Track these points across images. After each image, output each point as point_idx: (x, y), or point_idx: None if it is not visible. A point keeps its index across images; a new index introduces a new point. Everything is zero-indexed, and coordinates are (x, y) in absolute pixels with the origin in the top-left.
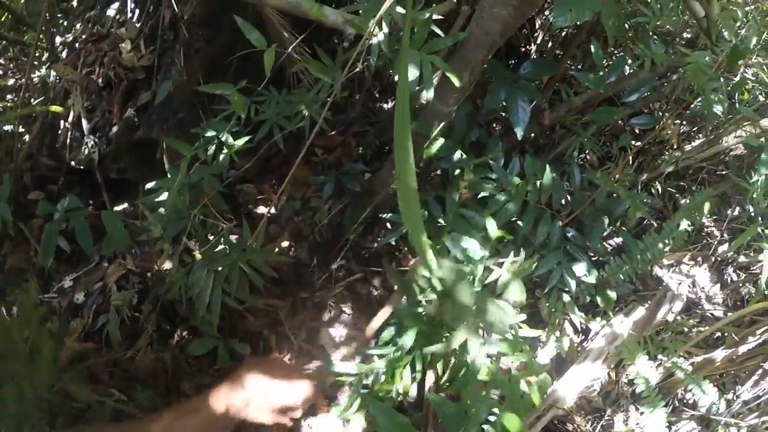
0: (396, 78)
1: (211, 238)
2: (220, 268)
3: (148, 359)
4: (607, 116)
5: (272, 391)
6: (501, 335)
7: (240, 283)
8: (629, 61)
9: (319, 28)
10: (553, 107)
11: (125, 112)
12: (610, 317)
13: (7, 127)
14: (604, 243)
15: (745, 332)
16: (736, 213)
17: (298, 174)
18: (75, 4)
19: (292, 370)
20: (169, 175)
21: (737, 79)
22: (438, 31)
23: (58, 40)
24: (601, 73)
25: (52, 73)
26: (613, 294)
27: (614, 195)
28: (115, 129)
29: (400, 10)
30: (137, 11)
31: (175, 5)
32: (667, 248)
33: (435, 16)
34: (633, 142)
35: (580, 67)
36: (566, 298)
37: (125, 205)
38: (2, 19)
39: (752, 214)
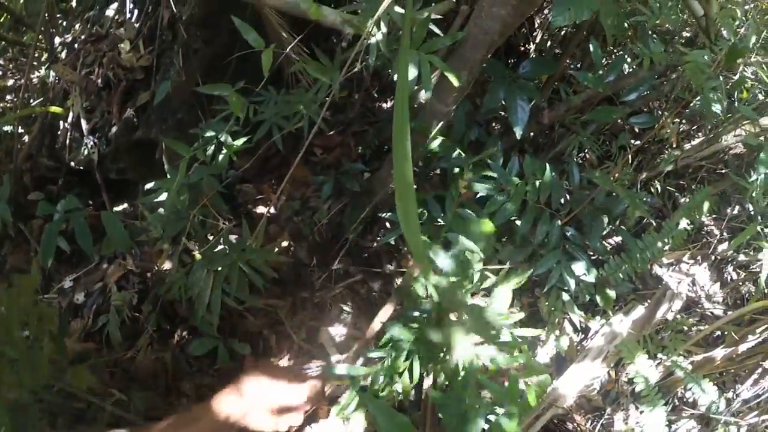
0: (395, 77)
1: (211, 238)
2: (219, 268)
3: (149, 359)
4: (606, 115)
5: (273, 399)
6: (495, 340)
7: (240, 283)
8: (628, 60)
9: (317, 28)
10: (552, 106)
11: (124, 113)
12: (610, 316)
13: (7, 128)
14: (604, 242)
15: (744, 331)
16: (735, 212)
17: (297, 174)
18: (74, 4)
19: (293, 375)
20: (168, 176)
21: (736, 77)
22: (437, 30)
23: (57, 40)
24: (600, 72)
25: (52, 73)
26: (612, 293)
27: (613, 194)
28: (114, 129)
29: (398, 9)
30: (136, 12)
31: (173, 6)
32: (666, 247)
33: (433, 16)
34: (632, 141)
35: (579, 66)
36: (566, 297)
37: (125, 205)
38: (1, 20)
39: (752, 212)
